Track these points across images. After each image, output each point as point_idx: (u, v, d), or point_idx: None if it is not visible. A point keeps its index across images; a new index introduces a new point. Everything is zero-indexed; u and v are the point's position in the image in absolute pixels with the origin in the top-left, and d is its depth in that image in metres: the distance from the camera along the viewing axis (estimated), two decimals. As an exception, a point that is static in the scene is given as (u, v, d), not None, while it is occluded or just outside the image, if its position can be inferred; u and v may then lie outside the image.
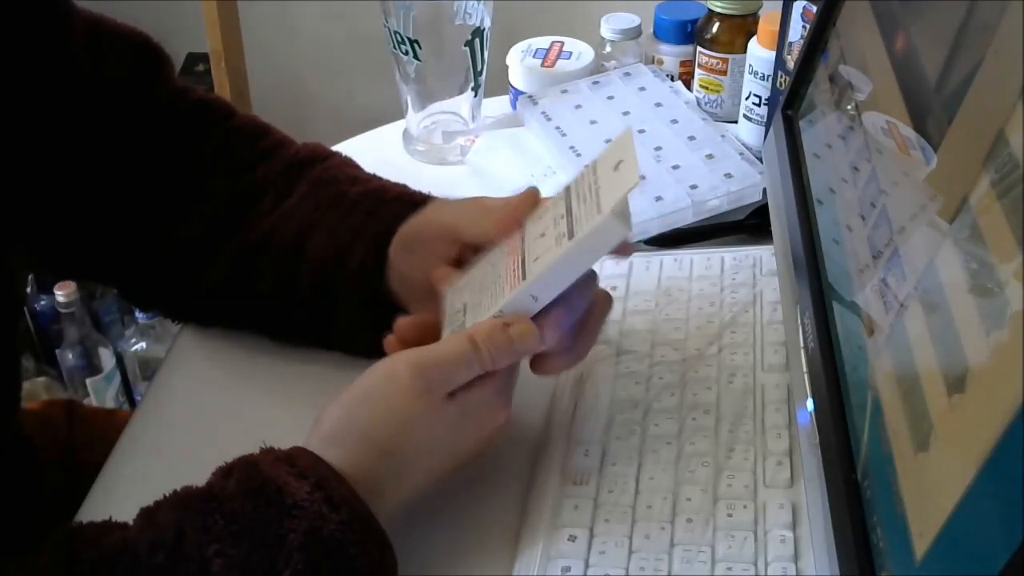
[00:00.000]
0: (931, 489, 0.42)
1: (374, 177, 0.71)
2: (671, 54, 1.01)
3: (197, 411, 0.71)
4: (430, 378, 0.55)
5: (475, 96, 0.94)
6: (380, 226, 0.67)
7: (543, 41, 1.01)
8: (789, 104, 0.72)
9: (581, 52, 1.00)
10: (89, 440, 0.69)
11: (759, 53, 0.89)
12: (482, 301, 0.58)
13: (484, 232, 0.61)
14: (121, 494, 0.53)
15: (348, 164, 0.73)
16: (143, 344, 1.63)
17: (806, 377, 0.57)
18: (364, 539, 0.51)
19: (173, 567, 0.49)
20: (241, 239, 0.69)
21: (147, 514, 0.52)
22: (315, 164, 0.71)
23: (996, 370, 0.38)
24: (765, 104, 0.90)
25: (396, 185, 0.70)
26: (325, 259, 0.67)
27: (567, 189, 0.59)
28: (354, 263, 0.66)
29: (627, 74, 0.98)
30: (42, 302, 1.62)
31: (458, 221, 0.63)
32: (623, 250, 0.59)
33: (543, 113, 0.93)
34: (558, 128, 0.91)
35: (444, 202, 0.67)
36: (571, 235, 0.55)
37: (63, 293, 1.51)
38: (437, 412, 0.55)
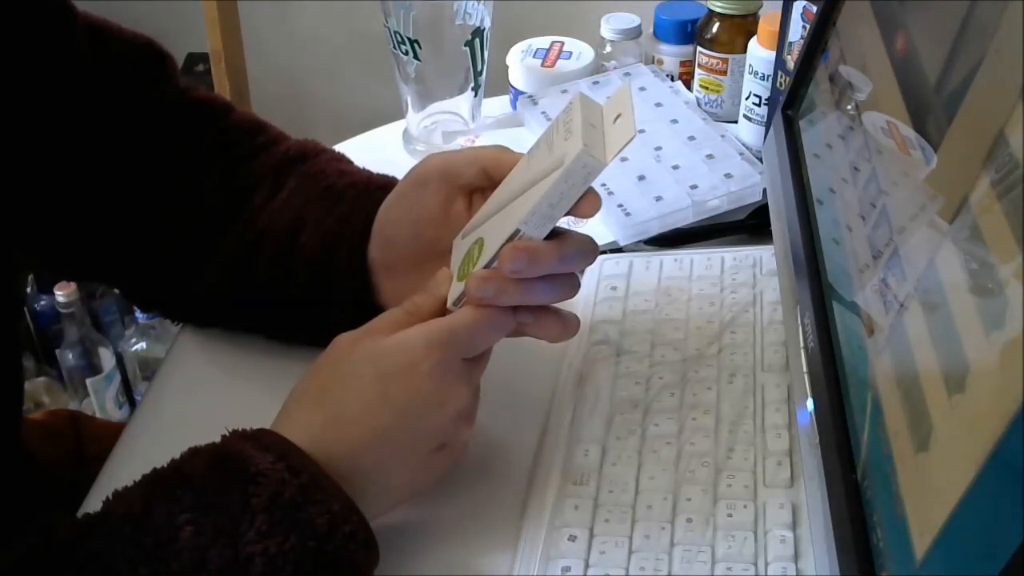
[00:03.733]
0: (931, 489, 0.42)
1: (362, 170, 0.72)
2: (671, 54, 1.01)
3: (197, 411, 0.71)
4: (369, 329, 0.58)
5: (475, 96, 0.94)
6: (365, 215, 0.67)
7: (543, 41, 1.01)
8: (789, 104, 0.72)
9: (581, 52, 1.00)
10: (99, 456, 0.69)
11: (759, 53, 0.89)
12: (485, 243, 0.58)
13: (474, 174, 0.62)
14: (121, 494, 0.54)
15: (338, 159, 0.73)
16: (143, 344, 1.63)
17: (806, 377, 0.57)
18: (323, 499, 0.52)
19: (142, 537, 0.50)
20: (235, 238, 0.69)
21: (117, 494, 0.53)
22: (305, 160, 0.71)
23: (996, 370, 0.38)
24: (765, 104, 0.90)
25: (383, 176, 0.71)
26: (315, 252, 0.67)
27: (553, 131, 0.58)
28: (344, 253, 0.66)
29: (627, 74, 0.98)
30: (42, 302, 1.62)
31: (452, 163, 0.63)
32: (588, 205, 0.57)
33: (543, 113, 0.93)
34: (558, 128, 0.91)
35: (436, 153, 0.67)
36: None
37: (63, 293, 1.51)
38: (358, 353, 0.56)
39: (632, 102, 0.55)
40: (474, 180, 0.63)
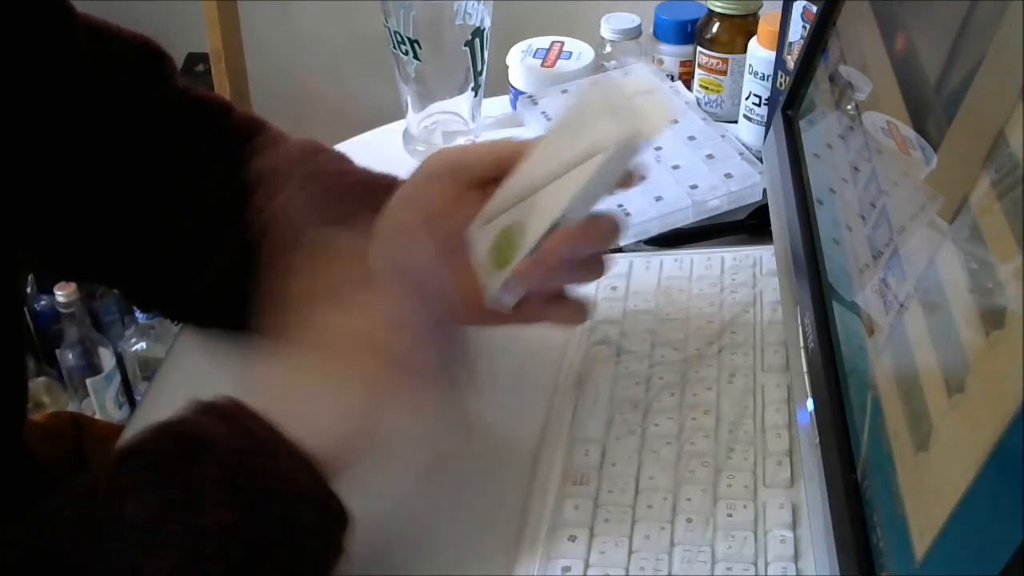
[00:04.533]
0: (931, 489, 0.42)
1: (363, 170, 0.72)
2: (671, 54, 1.01)
3: (197, 411, 0.70)
4: None
5: (475, 96, 0.94)
6: (368, 216, 0.67)
7: (543, 41, 1.01)
8: (789, 104, 0.72)
9: (581, 52, 1.00)
10: (100, 457, 0.69)
11: (759, 53, 0.89)
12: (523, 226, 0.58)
13: (488, 165, 0.62)
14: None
15: (339, 159, 0.73)
16: (143, 344, 1.63)
17: (806, 377, 0.57)
18: (274, 462, 0.50)
19: (84, 517, 0.49)
20: (236, 238, 0.69)
21: (68, 480, 0.52)
22: (306, 160, 0.71)
23: (996, 370, 0.38)
24: (765, 104, 0.90)
25: (385, 176, 0.70)
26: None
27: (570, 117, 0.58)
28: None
29: (627, 74, 0.98)
30: (42, 302, 1.62)
31: (465, 157, 0.63)
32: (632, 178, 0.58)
33: (543, 113, 0.93)
34: (558, 128, 0.91)
35: (446, 148, 0.67)
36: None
37: (63, 293, 1.51)
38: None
39: (659, 81, 0.55)
40: (488, 172, 0.62)
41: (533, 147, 0.60)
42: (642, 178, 0.58)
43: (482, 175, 0.62)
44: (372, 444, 0.55)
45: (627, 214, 0.82)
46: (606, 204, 0.57)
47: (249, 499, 0.50)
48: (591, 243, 0.58)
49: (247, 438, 0.51)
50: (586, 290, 0.64)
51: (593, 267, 0.60)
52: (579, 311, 0.61)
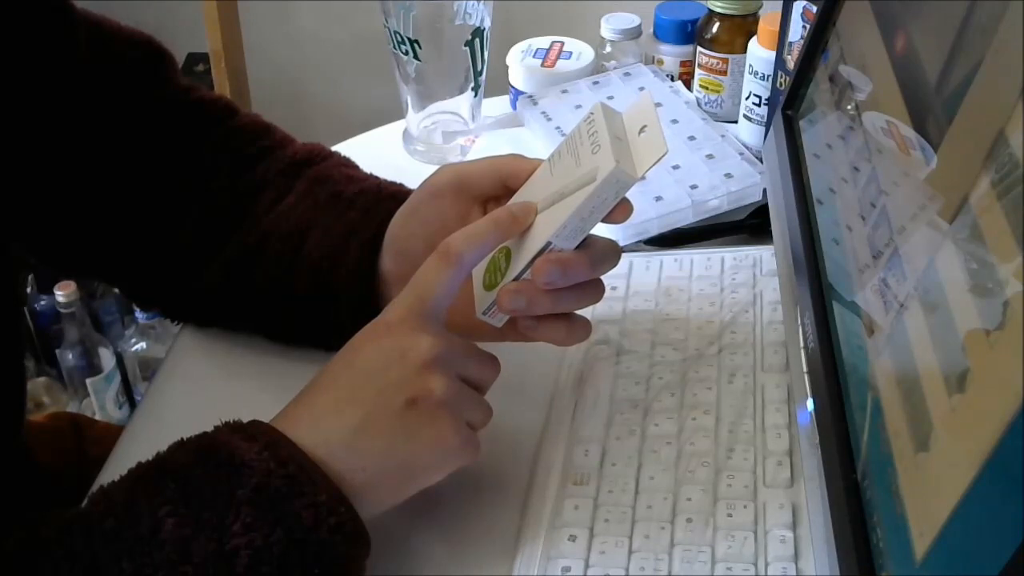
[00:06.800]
0: (931, 489, 0.42)
1: (371, 177, 0.72)
2: (671, 54, 1.01)
3: (197, 411, 0.70)
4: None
5: (475, 96, 0.94)
6: (375, 224, 0.67)
7: (543, 41, 1.01)
8: (789, 104, 0.72)
9: (581, 52, 1.00)
10: (100, 458, 0.69)
11: (759, 53, 0.89)
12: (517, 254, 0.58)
13: (491, 183, 0.62)
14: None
15: (346, 164, 0.73)
16: (143, 344, 1.63)
17: (806, 377, 0.57)
18: (310, 491, 0.51)
19: (123, 530, 0.50)
20: (239, 239, 0.69)
21: (102, 489, 0.53)
22: (313, 164, 0.71)
23: (996, 370, 0.38)
24: (765, 104, 0.90)
25: (392, 184, 0.71)
26: (321, 258, 0.67)
27: (574, 140, 0.59)
28: (350, 261, 0.66)
29: (627, 74, 0.98)
30: (42, 302, 1.62)
31: (468, 173, 0.63)
32: (620, 212, 0.58)
33: (543, 113, 0.93)
34: (558, 128, 0.91)
35: (450, 164, 0.67)
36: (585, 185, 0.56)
37: (63, 293, 1.51)
38: (370, 334, 0.56)
39: (657, 115, 0.56)
40: (490, 190, 0.63)
41: (535, 168, 0.60)
42: (630, 213, 0.58)
43: (485, 192, 0.63)
44: (407, 480, 0.55)
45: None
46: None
47: (280, 525, 0.50)
48: (585, 270, 0.58)
49: (283, 465, 0.51)
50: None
51: (590, 291, 0.60)
52: (577, 330, 0.61)
